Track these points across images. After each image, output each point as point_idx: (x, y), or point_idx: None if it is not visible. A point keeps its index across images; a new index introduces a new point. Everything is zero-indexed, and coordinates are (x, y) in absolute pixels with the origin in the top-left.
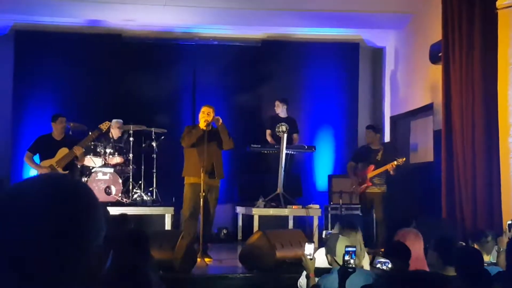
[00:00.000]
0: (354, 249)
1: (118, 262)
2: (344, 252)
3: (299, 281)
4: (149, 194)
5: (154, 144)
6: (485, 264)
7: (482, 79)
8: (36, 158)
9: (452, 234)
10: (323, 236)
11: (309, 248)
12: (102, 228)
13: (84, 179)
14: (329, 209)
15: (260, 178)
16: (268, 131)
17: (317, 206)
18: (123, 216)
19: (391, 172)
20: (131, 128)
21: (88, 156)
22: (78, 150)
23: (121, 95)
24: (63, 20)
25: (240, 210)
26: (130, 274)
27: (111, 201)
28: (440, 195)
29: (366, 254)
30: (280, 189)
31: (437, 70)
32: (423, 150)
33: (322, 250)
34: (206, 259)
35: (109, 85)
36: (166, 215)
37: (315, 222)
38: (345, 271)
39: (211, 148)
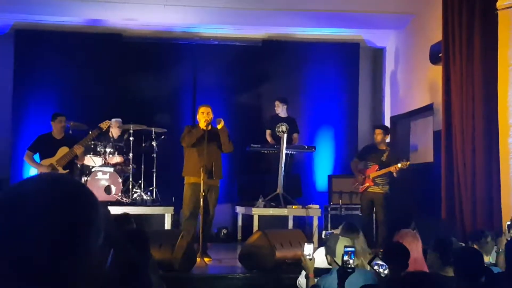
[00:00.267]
0: (353, 249)
1: (119, 261)
2: (343, 252)
3: (298, 281)
4: (149, 193)
5: (154, 143)
6: (485, 265)
7: (482, 80)
8: (36, 157)
9: (452, 235)
10: (323, 236)
11: (308, 248)
12: (102, 228)
13: (84, 178)
14: (329, 209)
15: (260, 178)
16: (268, 131)
17: (317, 206)
18: (125, 215)
19: (394, 174)
20: (131, 127)
21: (88, 156)
22: (78, 149)
23: (121, 95)
24: (64, 19)
25: (240, 210)
26: (131, 273)
27: (111, 201)
28: (439, 195)
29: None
30: (280, 189)
31: (437, 71)
32: (423, 150)
33: (321, 250)
34: (206, 259)
35: (110, 85)
36: (166, 214)
37: (315, 222)
38: (344, 272)
39: (211, 148)
